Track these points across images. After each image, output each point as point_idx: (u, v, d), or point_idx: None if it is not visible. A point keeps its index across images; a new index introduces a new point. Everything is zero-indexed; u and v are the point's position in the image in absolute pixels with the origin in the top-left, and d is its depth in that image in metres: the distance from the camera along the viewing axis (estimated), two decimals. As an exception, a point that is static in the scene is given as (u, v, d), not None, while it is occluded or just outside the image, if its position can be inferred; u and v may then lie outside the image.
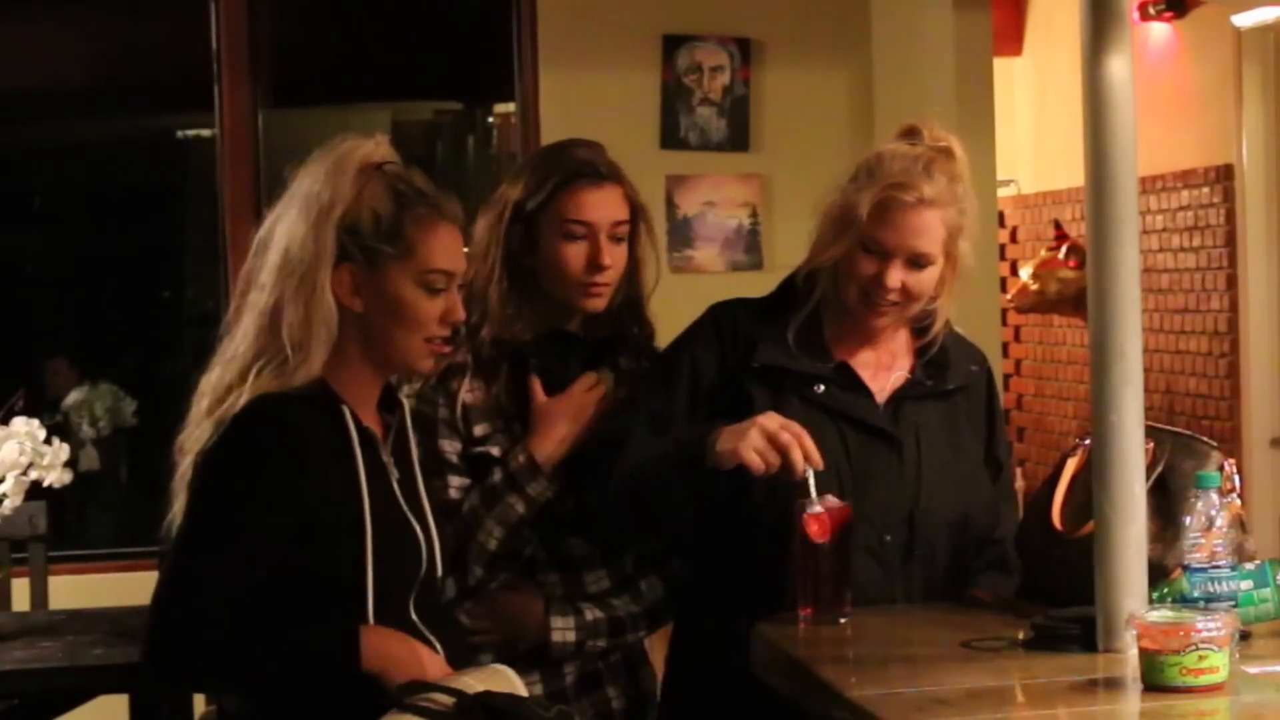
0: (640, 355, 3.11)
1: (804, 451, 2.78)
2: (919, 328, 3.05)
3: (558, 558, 3.02)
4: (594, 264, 2.97)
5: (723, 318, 3.04)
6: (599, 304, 3.01)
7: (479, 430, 2.98)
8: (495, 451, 2.97)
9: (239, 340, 2.55)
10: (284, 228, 2.54)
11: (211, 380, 2.55)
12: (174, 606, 2.43)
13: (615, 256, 2.99)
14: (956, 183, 2.93)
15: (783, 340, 2.98)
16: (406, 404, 2.71)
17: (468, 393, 2.98)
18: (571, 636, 2.98)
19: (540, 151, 3.11)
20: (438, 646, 2.58)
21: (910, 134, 2.98)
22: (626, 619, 3.04)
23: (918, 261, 2.91)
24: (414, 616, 2.58)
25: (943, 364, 3.05)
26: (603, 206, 2.98)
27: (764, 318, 3.02)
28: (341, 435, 2.54)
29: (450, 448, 2.97)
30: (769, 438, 2.78)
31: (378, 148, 2.58)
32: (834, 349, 3.00)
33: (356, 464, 2.53)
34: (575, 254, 2.97)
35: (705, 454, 2.82)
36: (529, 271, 3.00)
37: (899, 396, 3.00)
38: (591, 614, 3.00)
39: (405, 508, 2.60)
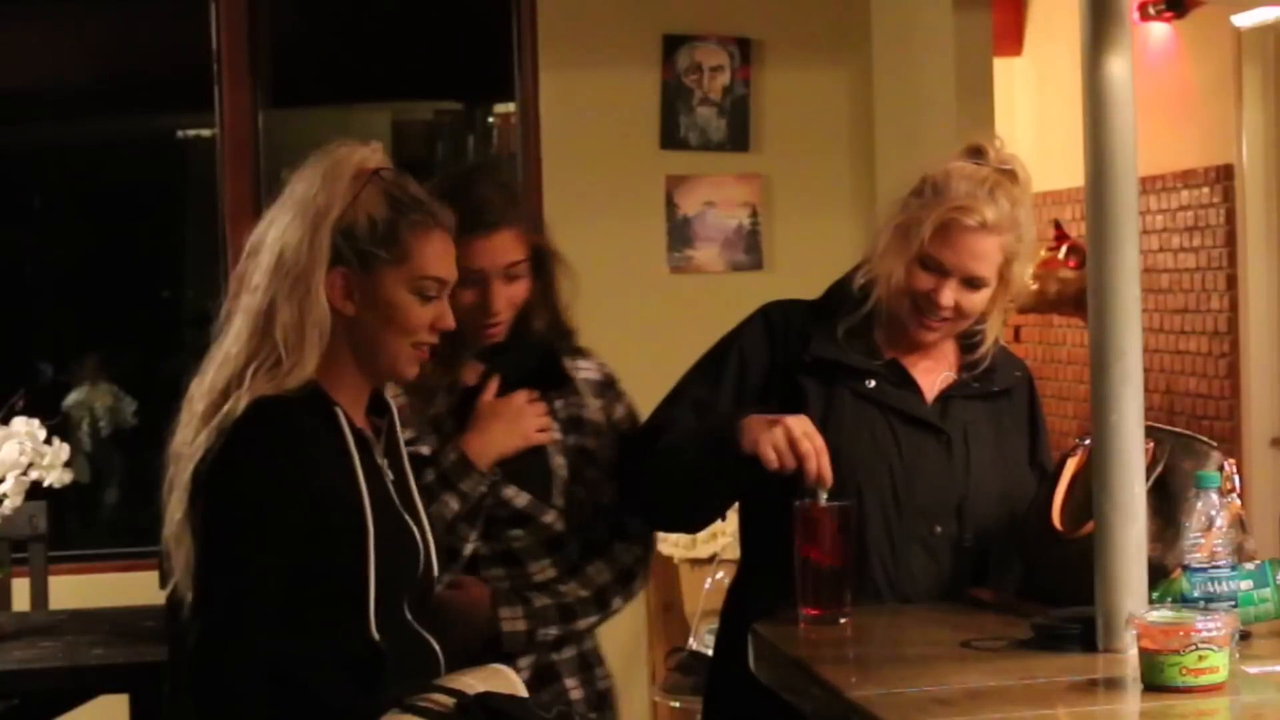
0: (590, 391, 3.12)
1: (818, 468, 2.82)
2: (967, 343, 3.09)
3: (500, 552, 3.01)
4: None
5: (774, 314, 3.10)
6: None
7: (406, 434, 2.96)
8: (425, 450, 2.97)
9: (230, 342, 2.54)
10: (277, 231, 2.54)
11: (205, 383, 2.54)
12: (223, 653, 2.42)
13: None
14: (1018, 207, 2.97)
15: (834, 337, 3.03)
16: (394, 406, 2.71)
17: (392, 399, 2.97)
18: (522, 625, 2.97)
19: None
20: (437, 647, 2.58)
21: (976, 153, 3.01)
22: (576, 604, 3.03)
23: (972, 283, 2.96)
24: (410, 618, 2.57)
25: (989, 369, 3.09)
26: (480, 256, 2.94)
27: (816, 316, 3.08)
28: (337, 437, 2.53)
29: None
30: (790, 440, 2.82)
31: (373, 154, 2.59)
32: (884, 351, 3.05)
33: (354, 465, 2.53)
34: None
35: (732, 437, 2.86)
36: None
37: (947, 395, 3.06)
38: (540, 600, 2.99)
39: (401, 509, 2.61)
